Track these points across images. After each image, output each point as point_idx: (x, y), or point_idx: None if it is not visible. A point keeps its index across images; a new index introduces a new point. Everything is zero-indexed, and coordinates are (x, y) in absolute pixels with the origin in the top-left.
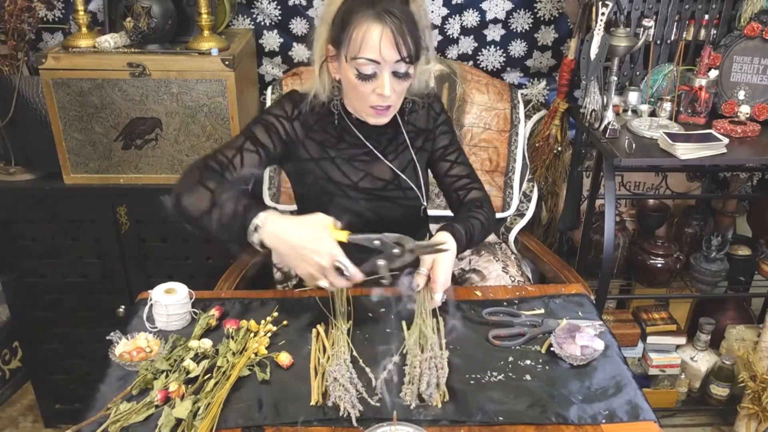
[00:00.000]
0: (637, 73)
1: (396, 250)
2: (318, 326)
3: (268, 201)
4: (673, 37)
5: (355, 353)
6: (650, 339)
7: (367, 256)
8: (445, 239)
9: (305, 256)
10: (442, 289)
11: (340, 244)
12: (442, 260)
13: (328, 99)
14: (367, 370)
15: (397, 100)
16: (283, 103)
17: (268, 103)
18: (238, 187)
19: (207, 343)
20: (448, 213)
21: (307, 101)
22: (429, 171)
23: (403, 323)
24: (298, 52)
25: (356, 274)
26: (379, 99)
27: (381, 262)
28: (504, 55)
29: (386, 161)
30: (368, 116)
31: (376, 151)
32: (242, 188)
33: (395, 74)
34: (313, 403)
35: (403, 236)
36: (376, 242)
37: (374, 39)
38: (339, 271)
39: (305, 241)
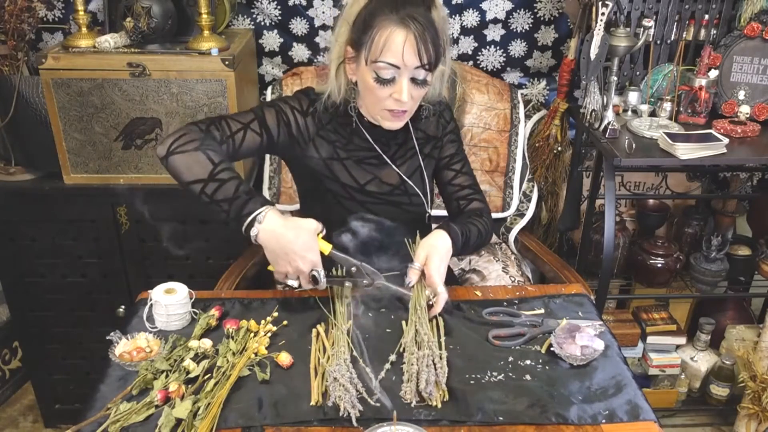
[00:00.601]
0: (637, 73)
1: (366, 281)
2: (318, 326)
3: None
4: (673, 37)
5: (355, 353)
6: (650, 339)
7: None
8: (438, 241)
9: (290, 258)
10: (441, 282)
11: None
12: (434, 255)
13: (343, 100)
14: (368, 370)
15: (413, 106)
16: (300, 97)
17: None
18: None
19: (207, 343)
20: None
21: (322, 100)
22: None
23: (403, 323)
24: (298, 52)
25: (323, 285)
26: (396, 104)
27: (347, 284)
28: (504, 55)
29: (394, 166)
30: (383, 120)
31: (384, 156)
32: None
33: (414, 80)
34: (313, 403)
35: (378, 273)
36: (353, 268)
37: (397, 44)
38: (312, 277)
39: (295, 245)
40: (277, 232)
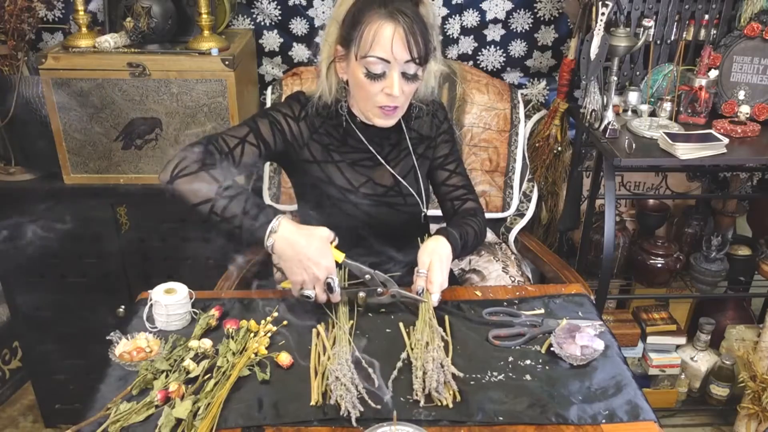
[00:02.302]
0: (637, 73)
1: (380, 290)
2: (318, 326)
3: (267, 201)
4: (673, 37)
5: (356, 353)
6: (650, 339)
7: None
8: (438, 246)
9: (306, 265)
10: (439, 290)
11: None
12: (436, 261)
13: (335, 100)
14: (370, 370)
15: (404, 102)
16: (291, 102)
17: (268, 103)
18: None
19: (207, 343)
20: None
21: (313, 103)
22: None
23: (400, 324)
24: (298, 52)
25: (338, 295)
26: (388, 99)
27: (362, 294)
28: (504, 55)
29: (388, 167)
30: (375, 117)
31: (378, 156)
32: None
33: (404, 75)
34: (313, 403)
35: (391, 280)
36: (367, 276)
37: (386, 37)
38: (328, 285)
39: (310, 252)
40: (291, 240)
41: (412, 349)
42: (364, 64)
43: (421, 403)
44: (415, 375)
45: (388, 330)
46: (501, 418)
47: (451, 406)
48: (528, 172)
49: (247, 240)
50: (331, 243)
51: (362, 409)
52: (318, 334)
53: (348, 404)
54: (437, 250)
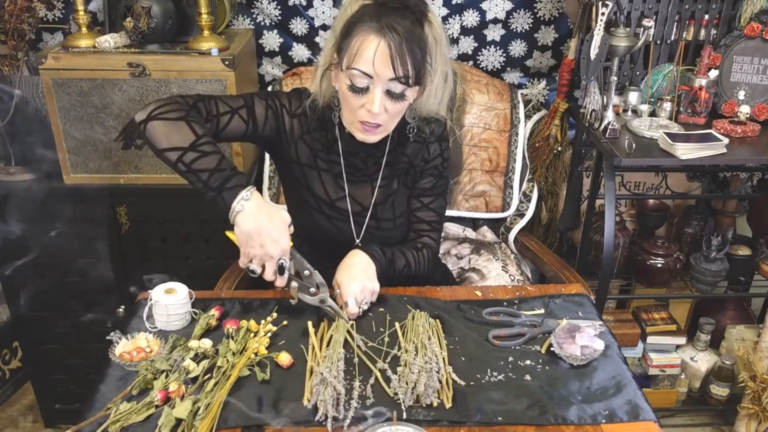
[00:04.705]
0: (637, 73)
1: (312, 290)
2: (321, 323)
3: (267, 201)
4: (673, 37)
5: (351, 354)
6: (650, 339)
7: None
8: (348, 258)
9: (263, 241)
10: (349, 295)
11: None
12: (344, 272)
13: (328, 106)
14: (367, 370)
15: (388, 121)
16: (291, 96)
17: None
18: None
19: (207, 343)
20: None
21: (307, 103)
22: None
23: (397, 324)
24: (298, 52)
25: (286, 279)
26: (368, 115)
27: (294, 285)
28: (504, 55)
29: (369, 186)
30: (356, 131)
31: (362, 173)
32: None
33: (389, 93)
34: (305, 403)
35: (326, 286)
36: (306, 272)
37: (369, 51)
38: (279, 266)
39: (271, 229)
40: (256, 212)
41: (406, 351)
42: (349, 75)
43: (408, 404)
44: (400, 377)
45: (384, 330)
46: (501, 419)
47: (449, 404)
48: (528, 172)
49: (210, 198)
50: (288, 228)
51: (348, 409)
52: (316, 334)
53: (329, 405)
54: (347, 262)
